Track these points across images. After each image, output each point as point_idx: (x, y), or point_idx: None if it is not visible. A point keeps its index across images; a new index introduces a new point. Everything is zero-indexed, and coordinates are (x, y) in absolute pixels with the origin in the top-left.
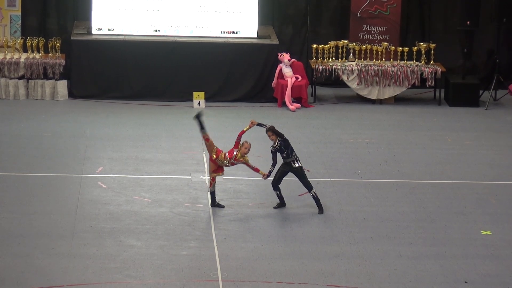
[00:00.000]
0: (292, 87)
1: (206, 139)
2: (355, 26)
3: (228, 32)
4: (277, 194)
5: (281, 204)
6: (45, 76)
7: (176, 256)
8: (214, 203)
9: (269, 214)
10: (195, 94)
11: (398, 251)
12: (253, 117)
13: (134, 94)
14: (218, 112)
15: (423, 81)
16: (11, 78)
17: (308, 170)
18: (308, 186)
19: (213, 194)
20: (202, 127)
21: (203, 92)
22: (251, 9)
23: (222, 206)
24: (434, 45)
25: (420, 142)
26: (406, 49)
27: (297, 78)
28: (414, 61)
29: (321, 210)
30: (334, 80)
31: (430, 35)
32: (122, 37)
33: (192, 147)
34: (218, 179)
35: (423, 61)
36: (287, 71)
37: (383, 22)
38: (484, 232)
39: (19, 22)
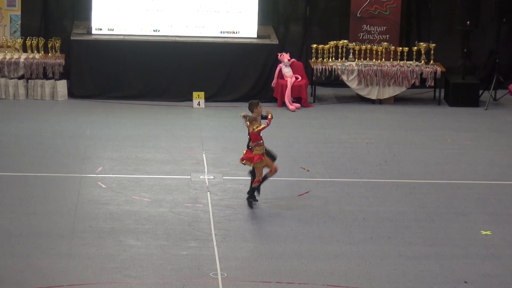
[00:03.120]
0: (292, 87)
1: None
2: (355, 26)
3: (228, 32)
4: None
5: (258, 193)
6: (45, 76)
7: (176, 256)
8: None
9: (269, 214)
10: (195, 94)
11: (398, 251)
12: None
13: (134, 94)
14: (218, 112)
15: (423, 81)
16: (11, 78)
17: (308, 170)
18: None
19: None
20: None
21: (203, 92)
22: (251, 9)
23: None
24: (434, 45)
25: (420, 142)
26: (406, 49)
27: (297, 78)
28: (414, 61)
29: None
30: (334, 80)
31: (430, 35)
32: (122, 37)
33: (192, 147)
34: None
35: (423, 61)
36: (287, 71)
37: (383, 22)
38: (484, 232)
39: (19, 22)
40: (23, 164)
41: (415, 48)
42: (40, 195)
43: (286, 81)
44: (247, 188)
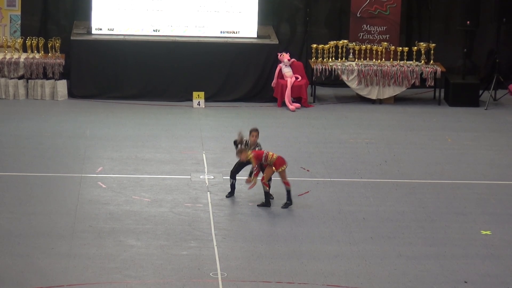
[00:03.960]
0: (292, 87)
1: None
2: (355, 26)
3: (228, 32)
4: (232, 183)
5: (231, 193)
6: (45, 76)
7: (176, 256)
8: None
9: (269, 214)
10: (195, 94)
11: (398, 251)
12: (253, 117)
13: (134, 94)
14: (218, 112)
15: (423, 81)
16: (11, 78)
17: (308, 170)
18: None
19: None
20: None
21: (203, 92)
22: (251, 9)
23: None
24: (434, 45)
25: (420, 142)
26: (406, 49)
27: (296, 78)
28: (414, 61)
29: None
30: (334, 80)
31: (430, 35)
32: (122, 37)
33: (192, 147)
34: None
35: (423, 61)
36: (287, 71)
37: (383, 22)
38: (484, 232)
39: (19, 22)
40: (23, 164)
41: (415, 48)
42: (40, 195)
43: (286, 81)
44: (247, 188)
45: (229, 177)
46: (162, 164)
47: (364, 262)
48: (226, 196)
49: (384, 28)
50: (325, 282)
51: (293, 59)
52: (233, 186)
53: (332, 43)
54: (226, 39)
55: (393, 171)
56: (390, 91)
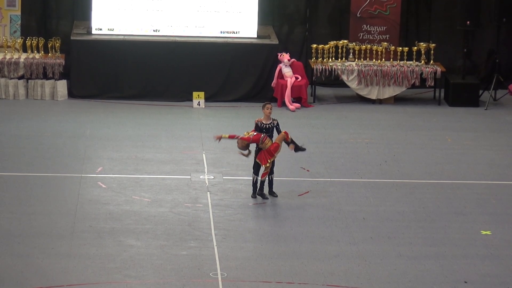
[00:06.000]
0: (292, 87)
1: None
2: (355, 26)
3: (228, 32)
4: (255, 181)
5: (255, 191)
6: (45, 76)
7: (176, 256)
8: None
9: (269, 214)
10: (194, 94)
11: (398, 251)
12: (253, 117)
13: (134, 94)
14: (218, 112)
15: (423, 81)
16: (11, 78)
17: (308, 170)
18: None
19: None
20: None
21: (203, 92)
22: (251, 9)
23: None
24: (434, 45)
25: (420, 142)
26: (406, 49)
27: (296, 78)
28: (414, 61)
29: (270, 195)
30: (334, 80)
31: (430, 35)
32: (122, 37)
33: (192, 147)
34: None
35: (422, 61)
36: (287, 71)
37: (383, 22)
38: (484, 232)
39: (19, 22)
40: (23, 164)
41: (415, 48)
42: (40, 195)
43: (286, 81)
44: (247, 188)
45: (252, 175)
46: (162, 164)
47: (364, 262)
48: (252, 196)
49: (384, 28)
50: (325, 282)
51: (293, 59)
52: (255, 184)
53: (332, 43)
54: (226, 39)
55: (393, 171)
56: (390, 91)
